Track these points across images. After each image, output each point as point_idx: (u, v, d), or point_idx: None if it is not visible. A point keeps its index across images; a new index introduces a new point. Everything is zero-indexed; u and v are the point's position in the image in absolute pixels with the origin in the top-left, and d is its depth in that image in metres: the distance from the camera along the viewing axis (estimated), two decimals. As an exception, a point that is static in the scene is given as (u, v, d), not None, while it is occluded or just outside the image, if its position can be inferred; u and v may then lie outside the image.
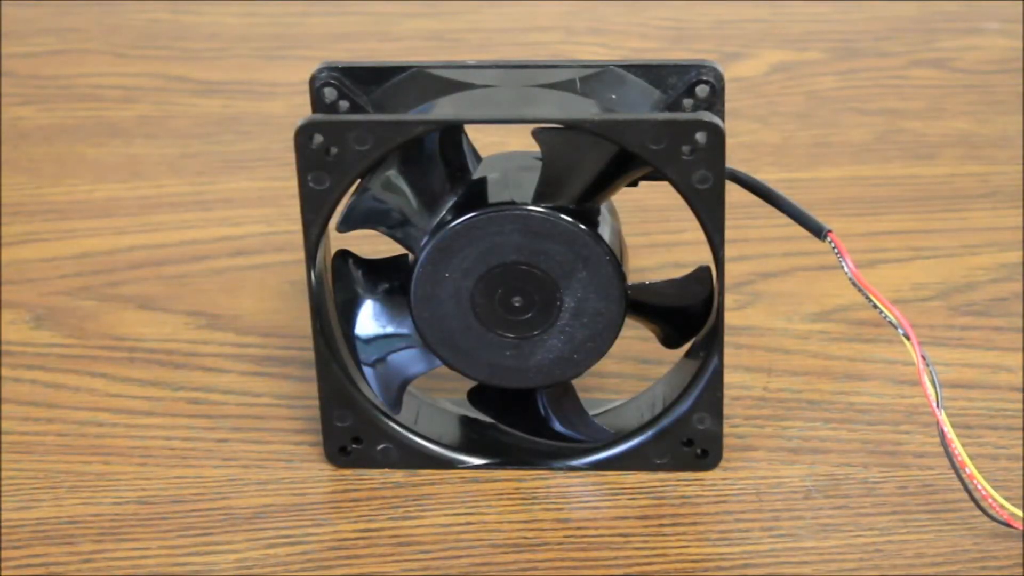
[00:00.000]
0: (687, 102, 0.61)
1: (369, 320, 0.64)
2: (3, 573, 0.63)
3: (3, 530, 0.64)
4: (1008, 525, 0.61)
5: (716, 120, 0.59)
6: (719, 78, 0.64)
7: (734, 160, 0.62)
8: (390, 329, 0.64)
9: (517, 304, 0.63)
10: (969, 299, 0.77)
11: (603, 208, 0.64)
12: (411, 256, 0.63)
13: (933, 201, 0.85)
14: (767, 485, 0.66)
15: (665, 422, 0.65)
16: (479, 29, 1.01)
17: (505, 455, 0.66)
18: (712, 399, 0.64)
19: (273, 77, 0.96)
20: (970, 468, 0.61)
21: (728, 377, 0.65)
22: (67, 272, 0.80)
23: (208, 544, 0.64)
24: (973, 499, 0.61)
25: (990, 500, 0.61)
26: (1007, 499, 0.61)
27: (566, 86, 0.63)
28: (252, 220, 0.84)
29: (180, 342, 0.75)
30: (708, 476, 0.66)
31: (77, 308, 0.78)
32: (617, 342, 0.64)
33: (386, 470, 0.66)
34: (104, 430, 0.70)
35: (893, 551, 0.62)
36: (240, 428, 0.70)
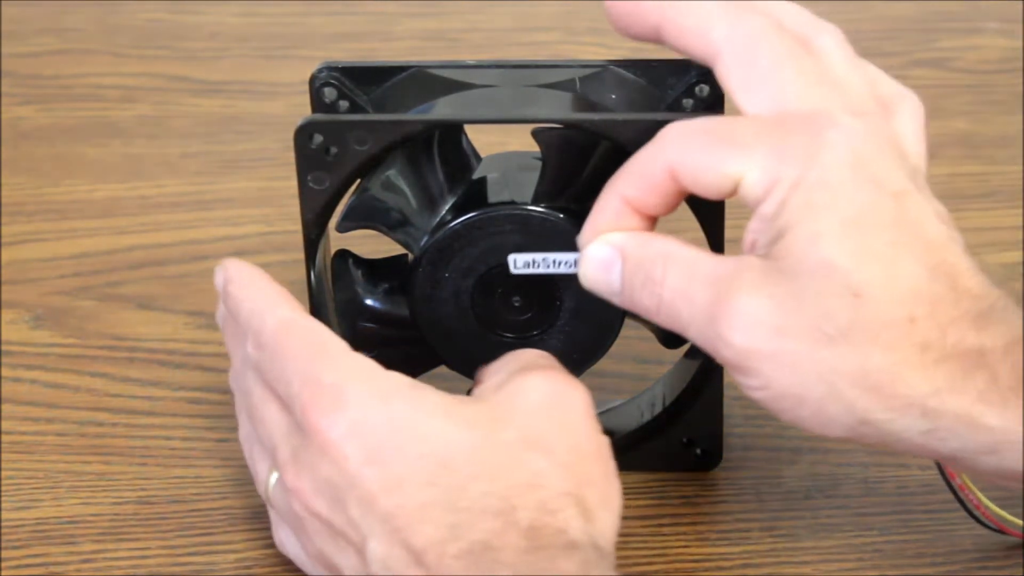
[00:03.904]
0: (687, 102, 0.61)
1: (369, 320, 0.64)
2: (3, 573, 0.63)
3: (3, 530, 0.64)
4: (1001, 532, 0.61)
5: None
6: (719, 78, 0.64)
7: (734, 160, 0.62)
8: (390, 329, 0.64)
9: (517, 304, 0.63)
10: (969, 299, 0.77)
11: (603, 208, 0.63)
12: (411, 256, 0.63)
13: (933, 201, 0.84)
14: (767, 485, 0.66)
15: (665, 422, 0.65)
16: (479, 29, 1.01)
17: (505, 455, 0.66)
18: (712, 399, 0.64)
19: (273, 77, 0.96)
20: (960, 478, 0.61)
21: (728, 377, 0.65)
22: (67, 272, 0.80)
23: (208, 544, 0.64)
24: (965, 507, 0.61)
25: (982, 508, 0.61)
26: (1004, 507, 0.61)
27: (566, 86, 0.63)
28: (252, 220, 0.84)
29: (180, 342, 0.75)
30: (708, 476, 0.66)
31: (77, 308, 0.78)
32: (617, 342, 0.64)
33: (386, 470, 0.66)
34: (104, 430, 0.70)
35: (893, 551, 0.62)
36: (240, 428, 0.70)
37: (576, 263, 0.59)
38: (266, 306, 0.59)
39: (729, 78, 0.57)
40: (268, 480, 0.59)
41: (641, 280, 0.57)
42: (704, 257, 0.56)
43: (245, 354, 0.60)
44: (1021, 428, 0.53)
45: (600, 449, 0.57)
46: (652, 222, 0.58)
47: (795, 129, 0.55)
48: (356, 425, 0.55)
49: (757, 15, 0.58)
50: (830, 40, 0.59)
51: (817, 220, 0.53)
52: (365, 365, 0.57)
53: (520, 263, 0.61)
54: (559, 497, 0.54)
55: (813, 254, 0.53)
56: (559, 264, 0.61)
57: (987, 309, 0.53)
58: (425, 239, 0.62)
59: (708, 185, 0.56)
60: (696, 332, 0.56)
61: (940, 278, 0.53)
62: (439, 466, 0.54)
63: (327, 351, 0.57)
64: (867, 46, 0.98)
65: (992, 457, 0.53)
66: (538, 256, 0.61)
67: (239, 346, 0.61)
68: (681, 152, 0.56)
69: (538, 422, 0.56)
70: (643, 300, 0.57)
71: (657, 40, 0.59)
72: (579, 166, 0.61)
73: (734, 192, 0.55)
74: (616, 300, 0.58)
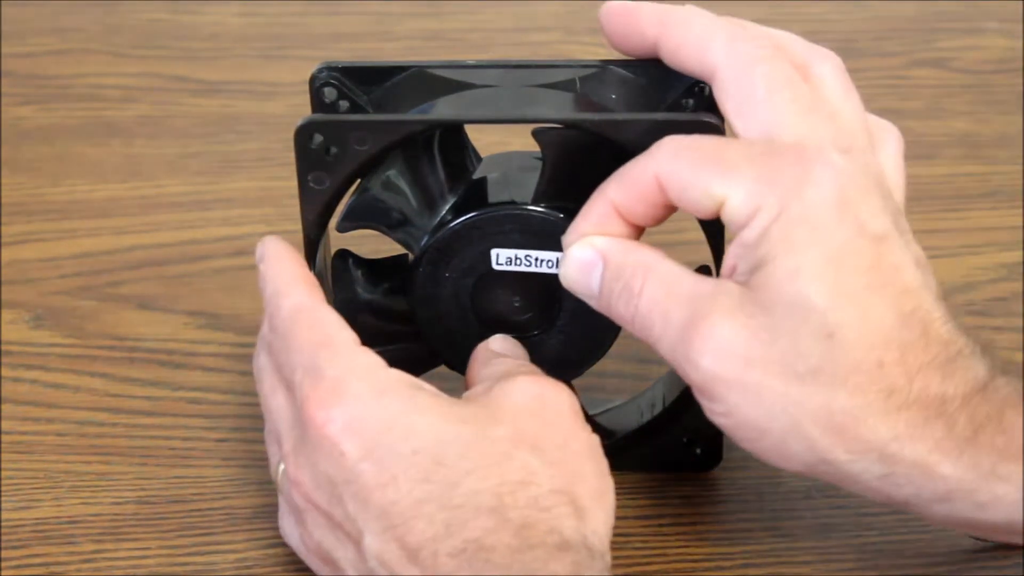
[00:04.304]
0: (687, 102, 0.61)
1: (369, 320, 0.64)
2: (3, 573, 0.63)
3: (3, 530, 0.64)
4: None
5: (715, 120, 0.59)
6: (719, 78, 0.64)
7: (734, 160, 0.62)
8: (390, 329, 0.64)
9: (517, 304, 0.63)
10: (969, 299, 0.77)
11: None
12: (411, 256, 0.63)
13: (933, 201, 0.85)
14: (767, 485, 0.66)
15: (665, 422, 0.65)
16: (479, 29, 1.01)
17: (505, 455, 0.66)
18: (712, 399, 0.64)
19: (273, 77, 0.96)
20: None
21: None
22: (67, 272, 0.80)
23: (208, 544, 0.64)
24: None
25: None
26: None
27: (566, 86, 0.63)
28: (252, 220, 0.84)
29: (180, 342, 0.75)
30: (708, 476, 0.66)
31: (77, 308, 0.78)
32: (617, 342, 0.64)
33: (386, 470, 0.66)
34: (104, 430, 0.70)
35: (893, 551, 0.62)
36: (240, 428, 0.70)
37: (558, 262, 0.60)
38: (284, 289, 0.60)
39: (725, 100, 0.58)
40: (278, 468, 0.59)
41: (619, 288, 0.57)
42: (684, 275, 0.57)
43: (263, 335, 0.60)
44: (973, 478, 0.54)
45: (590, 447, 0.57)
46: (638, 232, 0.59)
47: (785, 160, 0.55)
48: (353, 421, 0.55)
49: (756, 38, 0.58)
50: (828, 68, 0.59)
51: (797, 256, 0.54)
52: (367, 360, 0.57)
53: (503, 258, 0.62)
54: (551, 494, 0.54)
55: (791, 290, 0.54)
56: (541, 263, 0.61)
57: (955, 355, 0.54)
58: (425, 239, 0.62)
59: (692, 202, 0.56)
60: (667, 348, 0.56)
61: (913, 324, 0.54)
62: (433, 462, 0.54)
63: (332, 343, 0.57)
64: (867, 46, 0.99)
65: (944, 505, 0.55)
66: (520, 252, 0.61)
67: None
68: (671, 165, 0.56)
69: (526, 421, 0.56)
70: (618, 308, 0.58)
71: (653, 56, 0.60)
72: (580, 166, 0.61)
73: (717, 213, 0.56)
74: (593, 303, 0.59)
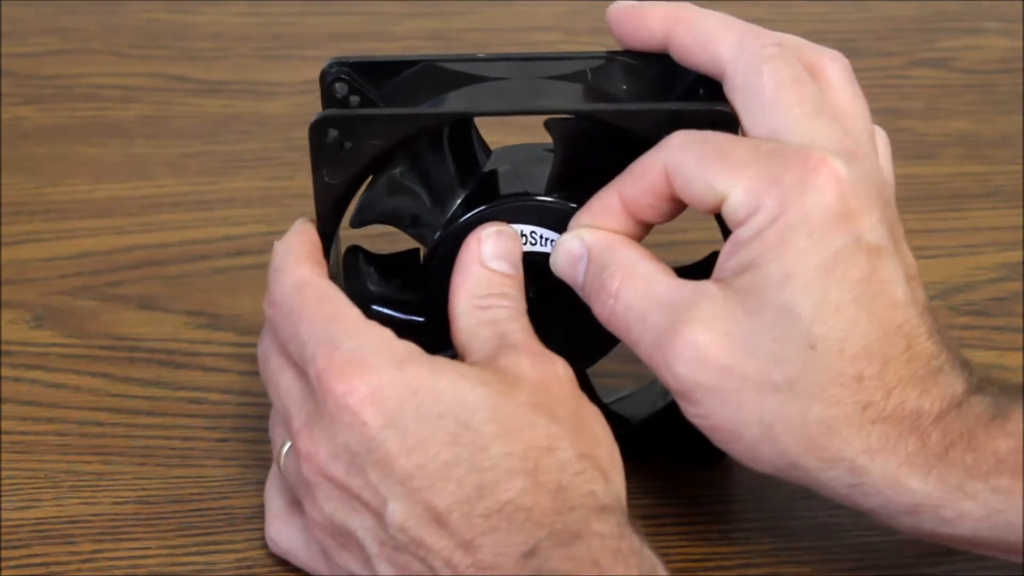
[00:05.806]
0: (700, 91, 0.61)
1: (381, 315, 0.64)
2: (3, 573, 0.63)
3: (3, 530, 0.64)
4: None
5: (728, 109, 0.59)
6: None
7: (735, 160, 0.62)
8: (402, 323, 0.64)
9: (530, 296, 0.63)
10: (969, 299, 0.77)
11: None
12: (423, 250, 0.63)
13: (933, 201, 0.85)
14: (767, 485, 0.66)
15: (679, 409, 0.65)
16: (479, 29, 1.01)
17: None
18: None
19: (273, 77, 0.96)
20: None
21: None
22: (67, 272, 0.80)
23: (208, 544, 0.64)
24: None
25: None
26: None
27: (577, 77, 0.63)
28: (252, 220, 0.84)
29: (180, 342, 0.75)
30: (708, 476, 0.66)
31: (77, 308, 0.78)
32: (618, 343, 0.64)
33: (386, 470, 0.66)
34: (104, 430, 0.70)
35: (893, 551, 0.62)
36: (240, 428, 0.70)
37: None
38: (284, 265, 0.59)
39: (734, 97, 0.58)
40: (282, 449, 0.59)
41: (597, 287, 0.58)
42: (663, 278, 0.57)
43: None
44: (940, 494, 0.54)
45: (597, 414, 0.57)
46: (643, 229, 0.59)
47: (789, 162, 0.55)
48: (375, 391, 0.55)
49: (765, 36, 0.58)
50: (836, 68, 0.59)
51: (790, 263, 0.54)
52: (380, 332, 0.57)
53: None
54: (578, 459, 0.54)
55: (779, 298, 0.54)
56: (547, 242, 0.61)
57: (935, 371, 0.55)
58: (438, 233, 0.62)
59: (695, 195, 0.56)
60: (643, 351, 0.57)
61: (897, 340, 0.55)
62: (459, 426, 0.54)
63: (343, 316, 0.57)
64: (867, 46, 0.99)
65: (911, 518, 0.55)
66: (526, 228, 0.61)
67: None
68: (679, 157, 0.57)
69: (539, 393, 0.56)
70: (596, 305, 0.58)
71: (662, 52, 0.60)
72: (592, 157, 0.61)
73: (718, 208, 0.56)
74: (581, 295, 0.59)
